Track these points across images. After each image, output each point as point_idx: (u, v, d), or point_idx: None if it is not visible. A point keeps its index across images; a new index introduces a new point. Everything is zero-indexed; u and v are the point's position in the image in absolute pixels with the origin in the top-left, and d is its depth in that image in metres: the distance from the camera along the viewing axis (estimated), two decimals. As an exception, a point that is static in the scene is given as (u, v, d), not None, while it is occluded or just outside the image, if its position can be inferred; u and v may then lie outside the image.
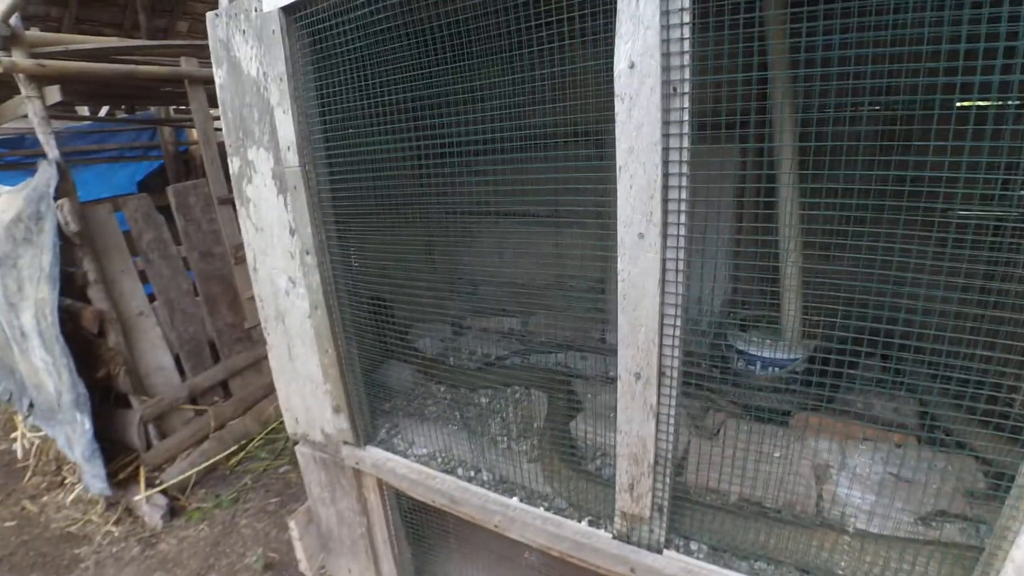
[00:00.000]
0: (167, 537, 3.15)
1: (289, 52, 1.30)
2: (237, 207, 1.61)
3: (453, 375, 1.99)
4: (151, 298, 3.45)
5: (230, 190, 3.47)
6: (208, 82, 3.53)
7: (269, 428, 3.91)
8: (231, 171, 1.58)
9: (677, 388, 1.06)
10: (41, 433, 3.93)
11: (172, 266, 3.49)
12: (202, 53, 3.53)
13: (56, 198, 2.91)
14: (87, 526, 3.32)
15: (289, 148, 1.37)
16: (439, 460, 1.64)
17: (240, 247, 3.48)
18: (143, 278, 3.40)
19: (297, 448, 1.93)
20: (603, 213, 2.26)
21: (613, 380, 2.09)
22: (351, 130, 1.34)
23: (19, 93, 2.86)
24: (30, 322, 3.06)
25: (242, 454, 3.79)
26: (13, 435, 4.15)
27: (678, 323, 1.00)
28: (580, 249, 2.32)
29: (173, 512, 3.31)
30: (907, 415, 1.81)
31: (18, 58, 2.72)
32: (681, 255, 0.95)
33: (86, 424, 3.09)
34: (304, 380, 1.71)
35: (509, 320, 2.43)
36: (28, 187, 2.97)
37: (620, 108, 0.91)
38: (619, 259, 0.99)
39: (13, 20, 2.63)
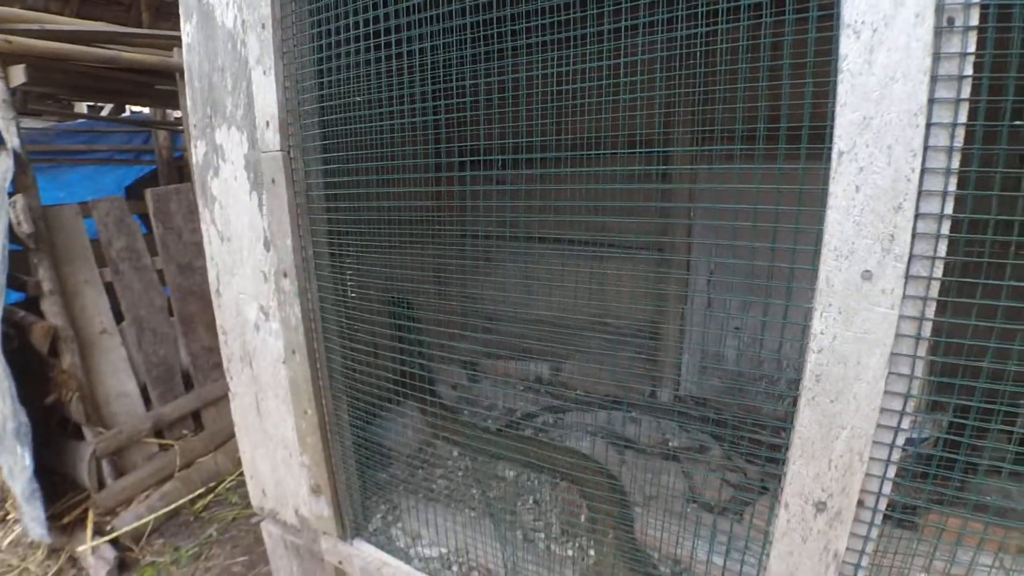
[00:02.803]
0: (112, 600, 2.64)
1: (277, -11, 0.91)
2: (200, 209, 1.20)
3: (469, 436, 1.54)
4: (118, 315, 3.01)
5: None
6: (201, 76, 3.16)
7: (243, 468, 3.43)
8: (194, 161, 1.17)
9: (878, 527, 0.64)
10: (-13, 460, 3.44)
11: (145, 279, 3.06)
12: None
13: (11, 193, 2.51)
14: (23, 575, 2.83)
15: (268, 124, 0.96)
16: (455, 569, 1.19)
17: (224, 261, 3.07)
18: (110, 292, 2.96)
19: (263, 526, 1.48)
20: (661, 241, 1.87)
21: (673, 454, 1.66)
22: (359, 101, 0.92)
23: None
24: (-31, 336, 2.62)
25: (210, 497, 3.29)
26: (-48, 463, 3.65)
27: (904, 425, 0.58)
28: (626, 283, 1.90)
29: (123, 566, 2.81)
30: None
31: (-21, 32, 2.35)
32: (929, 312, 0.54)
33: (26, 460, 2.63)
34: (276, 444, 1.27)
35: (536, 367, 2.00)
36: (-21, 180, 2.57)
37: (851, 47, 0.51)
38: (817, 314, 0.57)
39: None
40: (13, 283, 2.62)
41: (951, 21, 0.50)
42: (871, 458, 0.59)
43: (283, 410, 1.19)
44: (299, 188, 1.00)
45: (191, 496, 3.17)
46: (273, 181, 0.99)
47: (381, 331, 1.07)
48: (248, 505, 3.22)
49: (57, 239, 2.68)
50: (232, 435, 3.41)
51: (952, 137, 0.51)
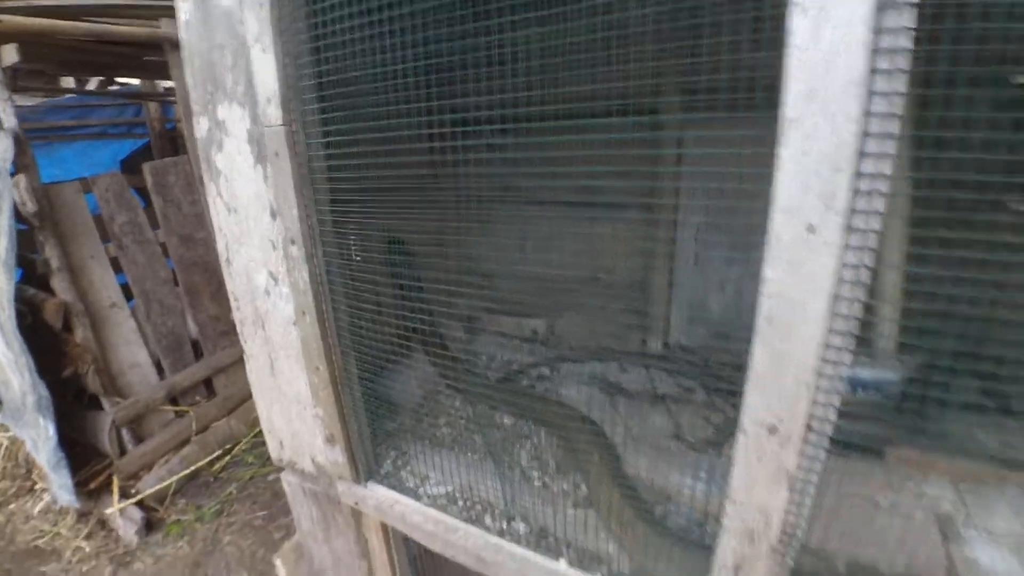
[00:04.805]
0: (143, 555, 2.82)
1: (271, -32, 0.95)
2: (205, 182, 1.25)
3: (477, 388, 1.65)
4: (125, 288, 3.09)
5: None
6: (189, 46, 3.14)
7: (257, 430, 3.57)
8: (198, 135, 1.23)
9: (824, 448, 0.73)
10: (10, 433, 3.59)
11: (148, 252, 3.13)
12: (184, 14, 3.14)
13: (13, 173, 2.55)
14: (56, 540, 3.00)
15: (270, 100, 1.02)
16: (460, 503, 1.31)
17: (225, 232, 3.12)
18: (116, 266, 3.03)
19: (283, 476, 1.61)
20: (652, 197, 1.93)
21: (662, 398, 1.78)
22: (354, 75, 0.98)
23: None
24: (-13, 314, 2.70)
25: (227, 459, 3.45)
26: (-21, 435, 3.80)
27: (844, 359, 0.67)
28: (618, 240, 1.97)
29: (150, 526, 2.98)
30: (1021, 450, 1.49)
31: (-36, 9, 2.33)
32: (867, 260, 0.62)
33: (50, 430, 2.75)
34: (290, 401, 1.37)
35: (533, 322, 2.09)
36: (-21, 160, 2.60)
37: (800, 24, 0.57)
38: (768, 265, 0.65)
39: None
40: (20, 262, 2.68)
41: (889, -3, 0.56)
42: (817, 388, 0.68)
43: (296, 368, 1.29)
44: (301, 160, 1.06)
45: (209, 458, 3.33)
46: (276, 154, 1.05)
47: (384, 291, 1.14)
48: (264, 464, 3.40)
49: (61, 217, 2.74)
50: (244, 399, 3.55)
51: (891, 104, 0.58)
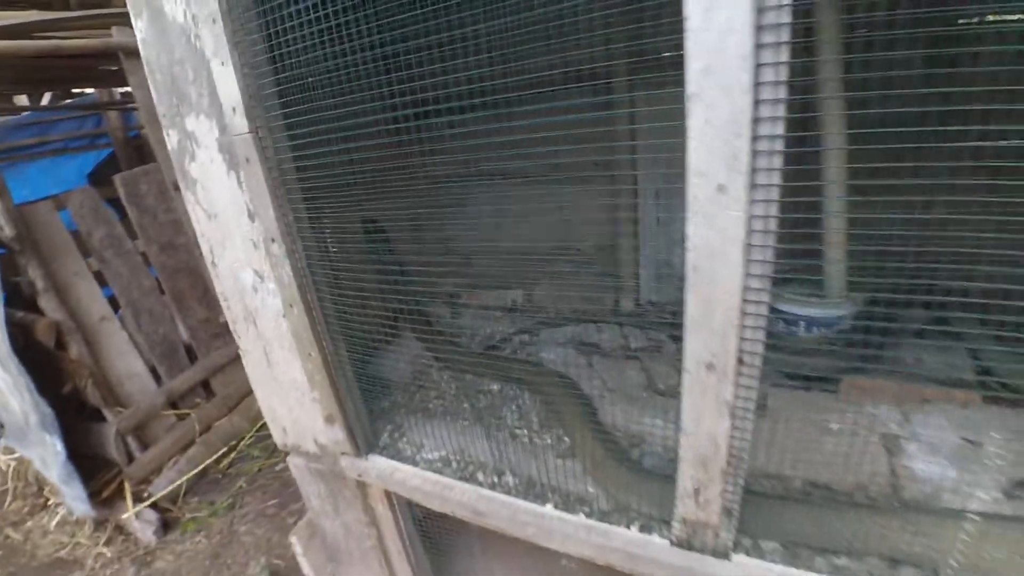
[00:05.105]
0: (163, 553, 2.94)
1: (220, -16, 1.00)
2: (182, 191, 1.32)
3: (462, 359, 1.75)
4: (112, 301, 3.14)
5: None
6: (145, 52, 3.11)
7: (259, 425, 3.68)
8: (170, 148, 1.29)
9: (757, 378, 0.85)
10: (16, 455, 3.65)
11: (130, 263, 3.16)
12: (135, 20, 3.10)
13: (-16, 198, 2.56)
14: (77, 549, 3.11)
15: (235, 110, 1.08)
16: (454, 465, 1.43)
17: (204, 236, 3.16)
18: (100, 280, 3.07)
19: (289, 459, 1.71)
20: (610, 165, 2.02)
21: (634, 354, 1.90)
22: (311, 80, 1.05)
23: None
24: (-21, 340, 2.74)
25: (233, 455, 3.56)
26: (-14, 459, 3.86)
27: (764, 299, 0.77)
28: (585, 209, 2.07)
29: (166, 525, 3.10)
30: (964, 370, 1.63)
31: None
32: (773, 211, 0.71)
33: (57, 445, 2.83)
34: (288, 388, 1.47)
35: (511, 293, 2.19)
36: (-51, 188, 2.60)
37: (693, 9, 0.65)
38: (689, 221, 0.74)
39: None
40: (3, 286, 2.71)
41: (769, -20, 0.64)
42: (743, 326, 0.79)
43: (290, 357, 1.38)
44: (271, 163, 1.13)
45: (215, 456, 3.44)
46: (247, 160, 1.12)
47: (365, 276, 1.23)
48: (270, 455, 3.51)
49: (39, 237, 2.76)
50: (243, 396, 3.64)
51: (778, 74, 0.67)
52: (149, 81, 1.25)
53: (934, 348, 1.65)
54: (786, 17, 0.65)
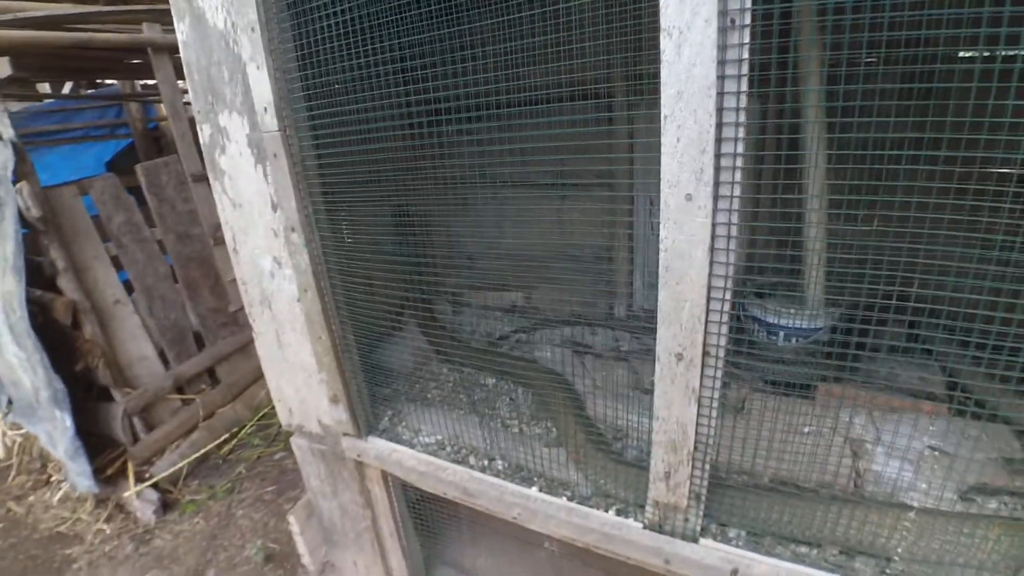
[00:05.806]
0: (161, 532, 3.03)
1: (260, -3, 1.12)
2: (211, 181, 1.43)
3: (462, 353, 1.86)
4: (127, 285, 3.25)
5: (204, 165, 3.24)
6: (174, 50, 3.26)
7: (260, 414, 3.78)
8: (202, 140, 1.40)
9: (722, 369, 0.95)
10: (23, 430, 3.76)
11: (147, 250, 3.28)
12: (166, 19, 3.24)
13: (14, 181, 2.69)
14: (77, 525, 3.20)
15: (266, 110, 1.20)
16: (448, 449, 1.53)
17: (219, 227, 3.28)
18: (117, 264, 3.19)
19: (292, 440, 1.81)
20: (612, 176, 2.13)
21: (624, 356, 2.00)
22: (336, 86, 1.16)
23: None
24: (-1, 317, 2.87)
25: (234, 442, 3.66)
26: (-8, 434, 3.96)
27: (727, 296, 0.88)
28: (585, 216, 2.18)
29: (166, 506, 3.19)
30: (935, 384, 1.73)
31: (-42, 27, 2.45)
32: (735, 219, 0.82)
33: (67, 421, 2.93)
34: (296, 369, 1.57)
35: (511, 295, 2.30)
36: (-19, 170, 2.73)
37: (667, 45, 0.76)
38: (662, 226, 0.85)
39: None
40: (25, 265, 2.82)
41: (733, 20, 0.75)
42: (708, 321, 0.89)
43: (300, 340, 1.49)
44: (296, 159, 1.25)
45: (217, 442, 3.54)
46: (275, 155, 1.24)
47: (375, 267, 1.34)
48: (270, 444, 3.61)
49: (62, 220, 2.88)
50: (246, 386, 3.75)
51: (739, 99, 0.78)
52: (187, 80, 1.37)
53: (909, 364, 1.75)
54: (744, 54, 0.77)
